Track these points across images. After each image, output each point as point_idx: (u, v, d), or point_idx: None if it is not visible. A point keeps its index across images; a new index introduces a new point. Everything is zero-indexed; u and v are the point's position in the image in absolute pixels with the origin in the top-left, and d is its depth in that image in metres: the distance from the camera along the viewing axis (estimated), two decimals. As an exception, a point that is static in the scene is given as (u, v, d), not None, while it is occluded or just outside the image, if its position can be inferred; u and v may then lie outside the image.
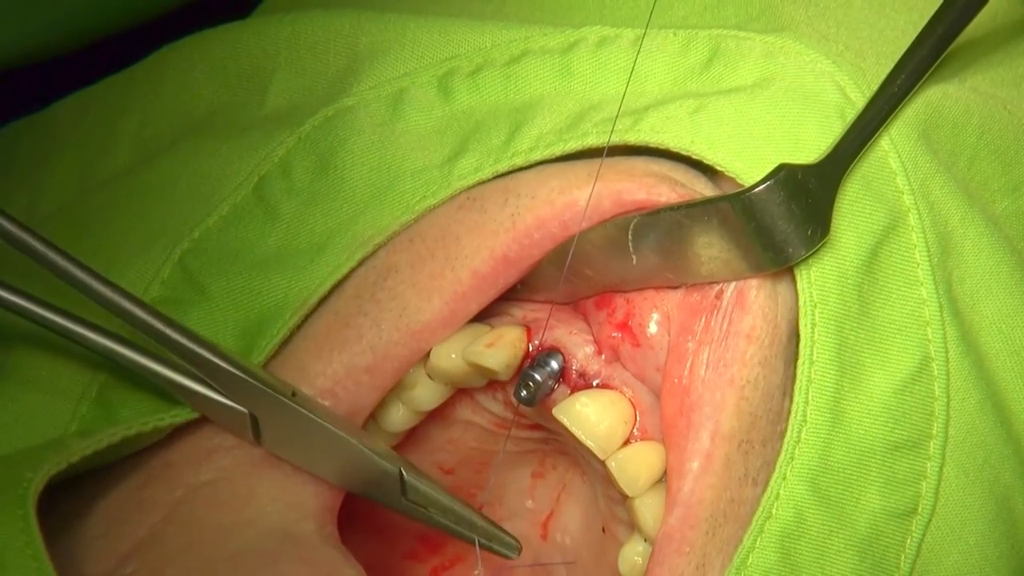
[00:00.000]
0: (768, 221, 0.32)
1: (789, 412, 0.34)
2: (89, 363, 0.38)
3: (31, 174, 0.47)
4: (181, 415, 0.36)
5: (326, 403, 0.37)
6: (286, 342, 0.38)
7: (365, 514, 0.44)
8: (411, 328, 0.37)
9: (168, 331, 0.35)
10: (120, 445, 0.35)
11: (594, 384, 0.37)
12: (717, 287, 0.35)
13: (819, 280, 0.34)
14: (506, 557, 0.37)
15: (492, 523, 0.37)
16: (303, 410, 0.35)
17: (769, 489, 0.34)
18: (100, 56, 0.51)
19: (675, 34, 0.37)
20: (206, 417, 0.37)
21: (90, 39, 0.52)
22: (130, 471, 0.37)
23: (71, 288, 0.35)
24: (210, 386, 0.36)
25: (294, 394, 0.36)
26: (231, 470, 0.37)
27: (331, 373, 0.37)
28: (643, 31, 0.37)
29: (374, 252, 0.37)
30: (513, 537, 0.37)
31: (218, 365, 0.35)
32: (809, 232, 0.33)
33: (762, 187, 0.32)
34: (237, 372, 0.35)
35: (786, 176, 0.33)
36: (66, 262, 0.35)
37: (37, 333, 0.39)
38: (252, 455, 0.37)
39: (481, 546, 0.36)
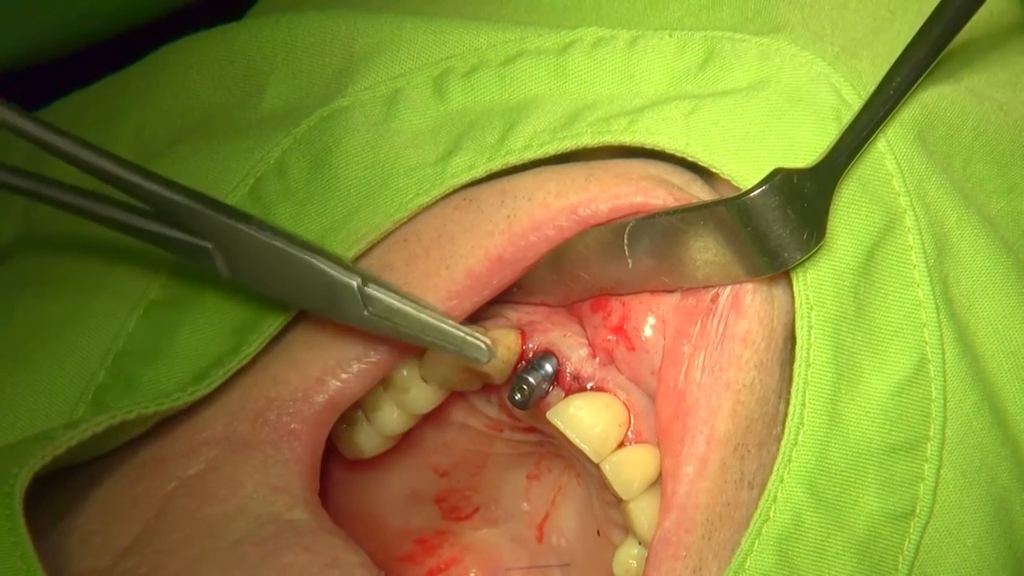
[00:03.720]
0: (763, 226, 0.32)
1: (785, 415, 0.34)
2: (89, 361, 0.38)
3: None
4: (167, 404, 0.36)
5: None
6: (279, 337, 0.38)
7: (362, 516, 0.44)
8: None
9: (125, 173, 0.34)
10: (107, 435, 0.34)
11: (588, 387, 0.37)
12: (713, 291, 0.35)
13: (815, 283, 0.34)
14: (478, 363, 0.35)
15: (460, 329, 0.35)
16: (261, 236, 0.35)
17: (766, 492, 0.34)
18: (98, 56, 0.51)
19: (670, 35, 0.37)
20: (194, 407, 0.37)
21: (83, 45, 0.52)
22: (122, 465, 0.37)
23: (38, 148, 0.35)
24: (172, 224, 0.35)
25: (252, 220, 0.35)
26: (216, 461, 0.37)
27: (320, 363, 0.37)
28: (638, 32, 0.37)
29: (369, 250, 0.37)
30: (484, 340, 0.35)
31: (176, 202, 0.35)
32: (805, 236, 0.33)
33: (757, 192, 0.32)
34: (195, 206, 0.35)
35: (781, 180, 0.32)
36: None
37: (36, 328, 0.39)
38: (235, 444, 0.37)
39: (451, 354, 0.35)
